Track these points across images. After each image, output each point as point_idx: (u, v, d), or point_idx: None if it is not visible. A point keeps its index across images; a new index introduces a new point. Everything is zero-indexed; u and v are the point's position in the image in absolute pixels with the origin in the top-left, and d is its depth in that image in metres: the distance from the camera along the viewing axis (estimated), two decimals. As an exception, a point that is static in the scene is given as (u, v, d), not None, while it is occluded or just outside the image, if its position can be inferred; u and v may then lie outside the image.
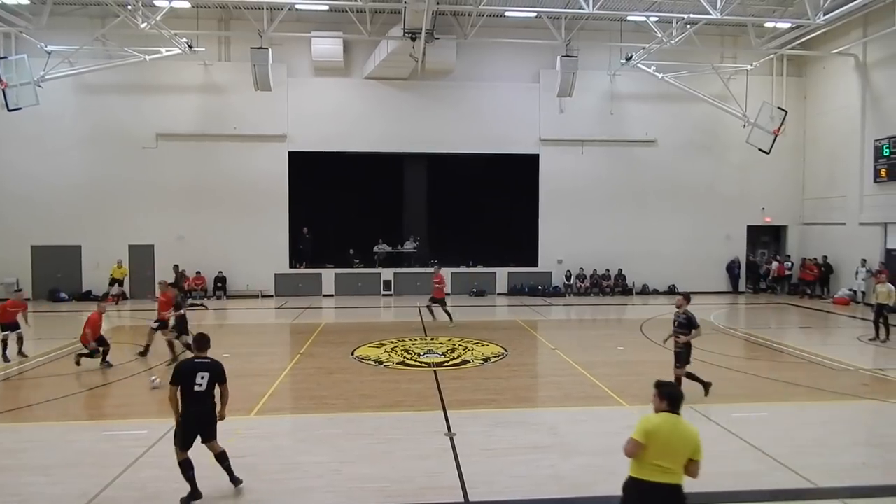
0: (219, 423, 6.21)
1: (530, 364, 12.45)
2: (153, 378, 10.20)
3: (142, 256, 22.15)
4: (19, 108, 18.57)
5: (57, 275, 21.78)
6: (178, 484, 6.19)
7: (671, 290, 22.79)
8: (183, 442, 5.99)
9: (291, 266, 22.80)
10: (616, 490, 4.31)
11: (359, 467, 6.67)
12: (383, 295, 22.69)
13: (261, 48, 18.83)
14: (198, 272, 22.14)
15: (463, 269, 23.28)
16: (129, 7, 17.63)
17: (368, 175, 23.13)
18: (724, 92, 21.92)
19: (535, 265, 23.55)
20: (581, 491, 6.18)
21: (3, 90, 18.06)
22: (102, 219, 21.90)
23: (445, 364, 11.67)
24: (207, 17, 21.76)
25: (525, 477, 6.46)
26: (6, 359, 11.84)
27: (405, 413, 8.62)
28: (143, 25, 18.20)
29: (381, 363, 11.77)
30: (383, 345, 13.48)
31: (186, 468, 5.92)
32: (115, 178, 21.88)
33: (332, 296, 22.53)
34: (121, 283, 21.46)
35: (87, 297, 21.46)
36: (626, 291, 23.31)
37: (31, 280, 21.75)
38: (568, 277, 23.29)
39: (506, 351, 12.76)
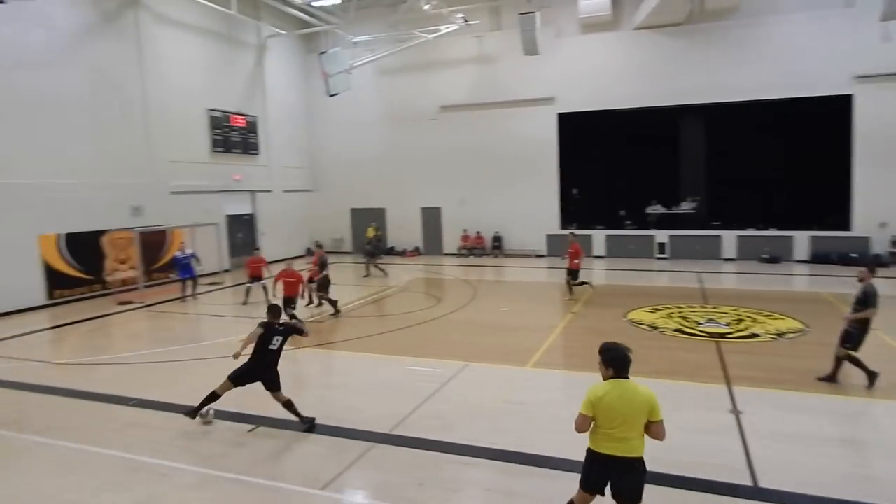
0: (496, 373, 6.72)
1: (837, 343, 10.67)
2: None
3: (432, 217, 24.95)
4: (337, 94, 22.26)
5: (367, 235, 25.90)
6: (468, 419, 7.02)
7: None
8: (238, 379, 6.94)
9: (562, 227, 23.18)
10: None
11: (632, 430, 6.65)
12: (657, 258, 21.65)
13: (528, 13, 19.18)
14: (478, 232, 24.08)
15: (751, 232, 20.74)
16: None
17: (640, 132, 21.95)
18: None
19: (847, 229, 19.69)
20: (906, 497, 5.20)
21: (326, 79, 21.82)
22: (400, 184, 25.22)
23: (729, 336, 10.74)
24: (481, -11, 22.93)
25: (828, 472, 5.66)
26: (246, 302, 14.68)
27: (682, 383, 8.24)
28: (426, 7, 20.07)
29: (655, 328, 11.38)
30: (658, 310, 12.97)
31: (213, 398, 6.93)
32: (408, 148, 24.88)
33: (602, 257, 22.35)
34: (372, 241, 24.29)
35: (390, 252, 25.08)
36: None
37: (351, 238, 26.38)
38: (895, 243, 19.03)
39: (807, 327, 11.17)
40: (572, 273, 14.67)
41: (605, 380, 4.21)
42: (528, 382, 8.47)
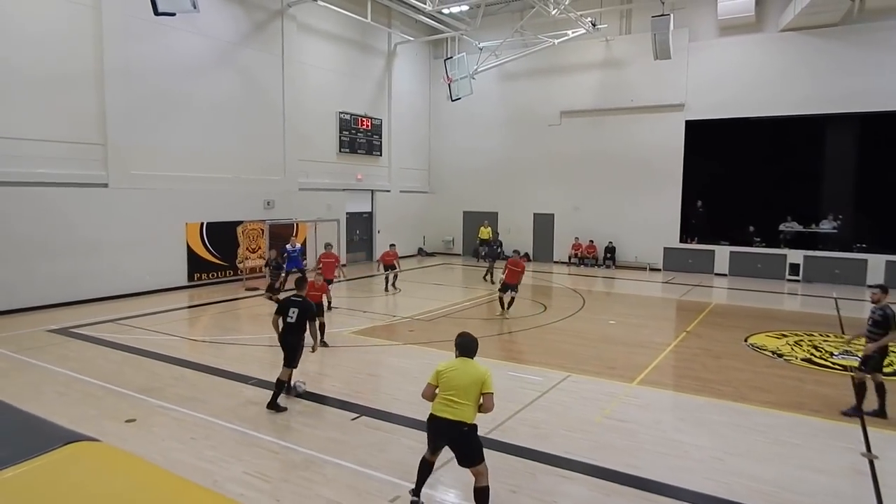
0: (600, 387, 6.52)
1: None
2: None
3: (544, 224, 24.68)
4: (459, 98, 22.69)
5: (480, 236, 26.14)
6: (566, 431, 6.89)
7: None
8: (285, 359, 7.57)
9: (682, 240, 22.01)
10: None
11: (745, 463, 6.17)
12: (788, 280, 19.91)
13: (662, 15, 18.36)
14: (590, 241, 23.47)
15: (905, 258, 18.50)
16: (544, -3, 19.43)
17: (777, 143, 20.33)
18: None
19: None
20: None
21: (449, 84, 22.32)
22: (514, 189, 25.21)
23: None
24: (611, -8, 22.33)
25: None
26: (387, 290, 16.98)
27: (807, 417, 7.52)
28: (553, 12, 19.87)
29: (780, 356, 10.47)
30: (784, 336, 11.92)
31: (280, 385, 7.52)
32: (524, 153, 24.81)
33: (724, 275, 20.93)
34: (486, 243, 24.23)
35: (499, 257, 25.08)
36: None
37: (462, 239, 26.78)
38: None
39: (966, 368, 9.75)
40: (510, 286, 13.46)
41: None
42: (632, 400, 8.12)
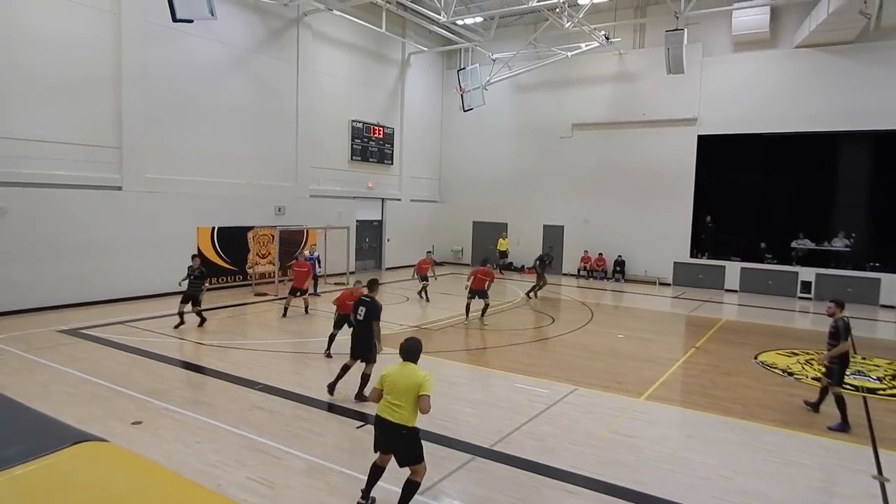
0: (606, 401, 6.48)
1: None
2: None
3: (553, 235, 24.65)
4: (471, 109, 22.78)
5: (489, 246, 26.12)
6: (571, 445, 6.84)
7: None
8: (350, 353, 8.17)
9: (692, 255, 21.89)
10: None
11: (753, 482, 6.10)
12: (799, 297, 19.73)
13: (676, 30, 18.35)
14: (600, 254, 23.40)
15: (919, 278, 18.30)
16: (557, 10, 19.48)
17: (789, 159, 20.22)
18: None
19: None
20: None
21: (462, 95, 22.43)
22: (524, 200, 25.23)
23: (881, 392, 9.52)
24: (625, 6, 22.37)
25: None
26: (424, 299, 16.77)
27: (818, 438, 7.42)
28: (567, 25, 19.95)
29: (790, 374, 10.36)
30: (795, 354, 11.80)
31: (343, 371, 8.19)
32: (535, 164, 24.83)
33: (735, 291, 20.78)
34: (506, 255, 24.18)
35: (508, 267, 25.07)
36: None
37: (471, 249, 26.79)
38: None
39: (980, 391, 9.61)
40: (477, 293, 14.02)
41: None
42: (640, 415, 8.05)
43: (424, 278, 17.08)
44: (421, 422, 7.33)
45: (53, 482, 2.77)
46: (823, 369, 8.30)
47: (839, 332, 7.96)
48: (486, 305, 14.09)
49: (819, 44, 19.07)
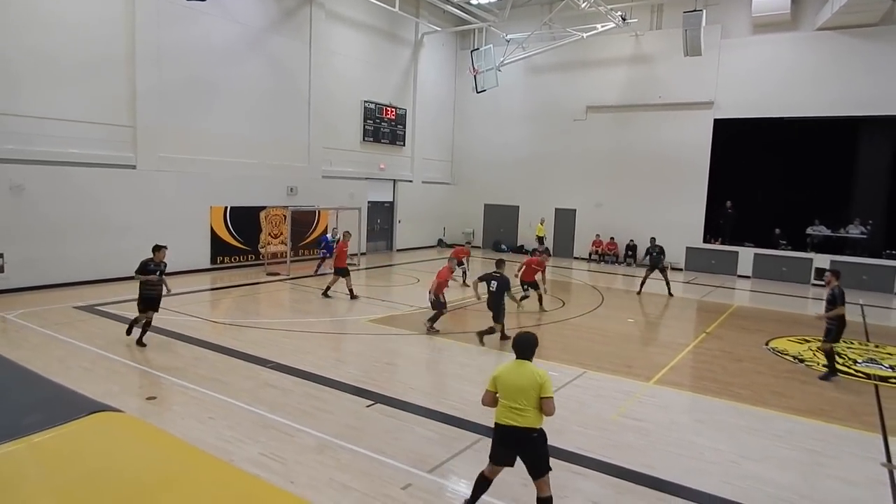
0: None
1: None
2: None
3: (566, 219, 24.54)
4: (484, 91, 22.59)
5: (500, 229, 26.08)
6: (580, 427, 6.87)
7: None
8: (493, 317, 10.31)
9: (705, 240, 21.71)
10: None
11: (762, 468, 6.10)
12: (813, 284, 19.54)
13: (694, 11, 18.04)
14: (611, 238, 23.28)
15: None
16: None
17: (808, 144, 19.87)
18: None
19: None
20: None
21: (475, 76, 22.23)
22: (536, 183, 25.08)
23: (892, 380, 9.46)
24: (643, -14, 21.98)
25: None
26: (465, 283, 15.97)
27: (828, 425, 7.40)
28: (583, 5, 19.64)
29: (801, 361, 10.30)
30: (807, 341, 11.72)
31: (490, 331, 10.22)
32: (548, 147, 24.64)
33: (748, 277, 20.63)
34: (543, 241, 24.05)
35: (520, 250, 25.03)
36: None
37: (482, 232, 26.75)
38: None
39: None
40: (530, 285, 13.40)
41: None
42: (649, 399, 8.06)
43: (461, 263, 16.54)
44: (429, 401, 7.46)
45: (71, 449, 2.84)
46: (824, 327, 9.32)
47: (836, 299, 8.97)
48: (539, 296, 13.37)
49: (841, 26, 18.63)
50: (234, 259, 17.84)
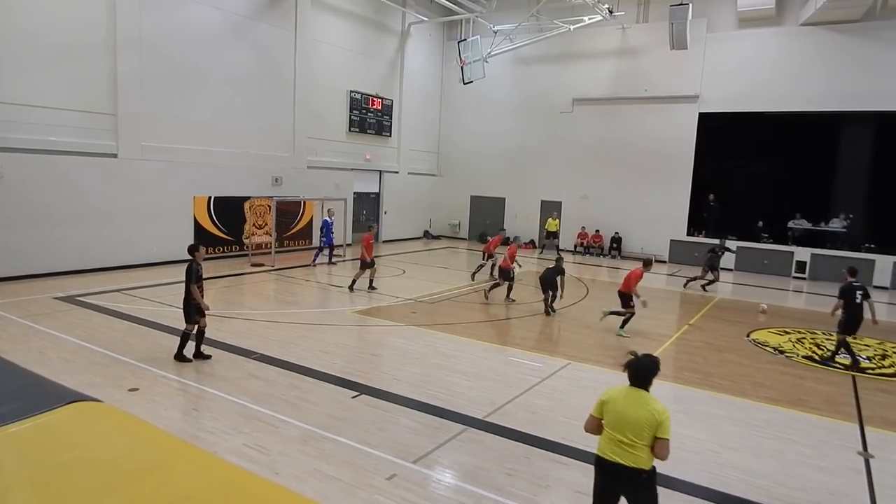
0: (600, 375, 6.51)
1: None
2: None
3: (551, 211, 24.60)
4: (471, 82, 22.53)
5: (486, 221, 26.09)
6: (564, 418, 6.93)
7: None
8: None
9: (689, 233, 21.91)
10: None
11: (741, 457, 6.21)
12: (794, 277, 19.83)
13: (681, 4, 18.12)
14: (597, 230, 23.41)
15: (914, 260, 18.35)
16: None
17: (791, 139, 20.09)
18: None
19: None
20: None
21: (462, 67, 22.16)
22: (522, 175, 25.11)
23: (870, 371, 9.64)
24: (630, -21, 22.01)
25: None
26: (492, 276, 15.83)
27: (806, 414, 7.53)
28: (570, -3, 19.65)
29: (781, 352, 10.47)
30: (787, 332, 11.91)
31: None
32: (534, 139, 24.67)
33: (730, 270, 20.85)
34: (556, 236, 23.86)
35: (506, 242, 25.01)
36: None
37: (468, 224, 26.77)
38: None
39: (968, 372, 9.74)
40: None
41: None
42: (631, 390, 8.14)
43: (491, 256, 16.64)
44: (413, 392, 7.46)
45: (48, 439, 2.81)
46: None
47: (840, 294, 9.96)
48: (552, 298, 12.86)
49: (825, 21, 18.82)
50: (218, 250, 17.68)
